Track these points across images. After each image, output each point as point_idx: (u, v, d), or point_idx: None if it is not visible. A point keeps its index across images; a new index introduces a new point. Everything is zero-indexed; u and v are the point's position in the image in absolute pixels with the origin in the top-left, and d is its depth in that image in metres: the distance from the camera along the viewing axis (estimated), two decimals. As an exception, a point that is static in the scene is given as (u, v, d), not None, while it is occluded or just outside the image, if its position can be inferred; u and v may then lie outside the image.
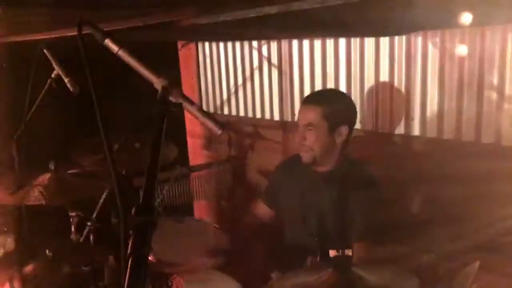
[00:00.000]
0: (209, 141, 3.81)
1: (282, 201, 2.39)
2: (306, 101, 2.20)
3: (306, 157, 2.18)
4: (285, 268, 2.15)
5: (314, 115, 2.11)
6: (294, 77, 3.13)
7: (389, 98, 2.64)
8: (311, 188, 2.22)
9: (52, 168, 2.25)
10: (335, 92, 2.54)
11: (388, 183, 2.43)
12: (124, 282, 0.79)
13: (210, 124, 1.03)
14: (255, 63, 3.39)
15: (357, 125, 2.81)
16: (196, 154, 3.95)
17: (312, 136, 2.13)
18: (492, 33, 2.19)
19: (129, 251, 0.82)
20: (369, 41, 2.66)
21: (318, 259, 1.97)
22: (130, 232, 0.84)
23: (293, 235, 2.33)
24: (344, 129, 2.15)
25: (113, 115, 1.29)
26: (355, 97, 2.79)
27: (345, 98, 2.30)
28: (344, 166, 2.19)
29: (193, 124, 3.90)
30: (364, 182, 2.15)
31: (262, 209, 2.49)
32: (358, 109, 2.78)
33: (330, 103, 2.14)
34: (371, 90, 2.71)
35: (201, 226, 2.59)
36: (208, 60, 3.79)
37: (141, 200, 0.87)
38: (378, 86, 2.67)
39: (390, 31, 2.41)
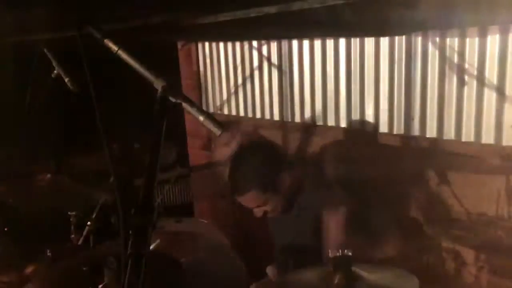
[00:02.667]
0: (209, 141, 3.81)
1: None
2: (239, 193, 2.14)
3: (278, 215, 2.20)
4: (281, 265, 2.17)
5: (255, 199, 2.11)
6: (294, 77, 3.13)
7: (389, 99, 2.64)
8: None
9: (53, 168, 2.25)
10: (249, 165, 2.27)
11: (387, 183, 2.44)
12: (124, 282, 0.79)
13: (210, 124, 1.03)
14: (255, 63, 3.39)
15: (357, 125, 2.82)
16: (196, 154, 3.95)
17: (270, 207, 2.15)
18: (492, 33, 2.19)
19: (129, 251, 0.82)
20: (369, 41, 2.66)
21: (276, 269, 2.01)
22: (130, 232, 0.84)
23: (280, 235, 2.35)
24: (282, 179, 2.15)
25: (113, 115, 1.29)
26: (355, 97, 2.79)
27: (259, 162, 2.20)
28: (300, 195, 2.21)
29: (193, 124, 3.90)
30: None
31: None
32: (357, 109, 2.80)
33: (256, 180, 2.10)
34: (370, 90, 2.71)
35: (200, 226, 2.60)
36: (208, 60, 3.79)
37: (141, 200, 0.87)
38: (378, 86, 2.67)
39: (390, 31, 2.41)
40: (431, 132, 2.48)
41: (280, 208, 2.18)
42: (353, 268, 1.52)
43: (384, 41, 2.59)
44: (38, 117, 2.51)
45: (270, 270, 2.18)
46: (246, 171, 2.18)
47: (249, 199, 2.13)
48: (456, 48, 2.32)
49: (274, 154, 2.22)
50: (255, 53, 3.38)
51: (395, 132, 2.64)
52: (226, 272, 1.80)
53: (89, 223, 2.43)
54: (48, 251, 1.94)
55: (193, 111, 1.03)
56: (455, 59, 2.33)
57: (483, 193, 2.24)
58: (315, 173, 2.43)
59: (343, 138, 2.85)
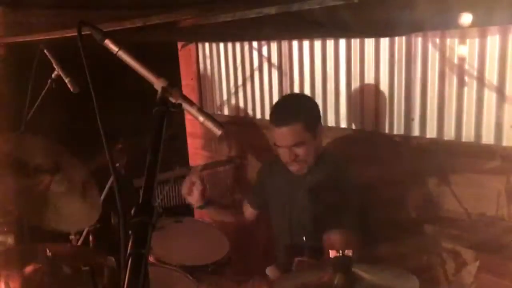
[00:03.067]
0: (209, 141, 3.81)
1: (268, 202, 2.41)
2: (283, 122, 2.11)
3: (301, 170, 2.19)
4: (281, 265, 2.17)
5: (298, 132, 2.09)
6: (294, 77, 3.13)
7: (389, 99, 2.64)
8: (293, 188, 2.23)
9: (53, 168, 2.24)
10: (298, 98, 2.52)
11: (388, 184, 2.43)
12: (124, 282, 0.79)
13: (210, 124, 1.03)
14: (255, 63, 3.39)
15: (357, 125, 2.83)
16: (196, 154, 3.95)
17: (304, 152, 2.12)
18: (492, 33, 2.19)
19: (128, 251, 0.82)
20: (369, 41, 2.66)
21: (306, 259, 1.98)
22: (130, 232, 0.84)
23: (282, 235, 2.34)
24: (320, 128, 2.20)
25: (113, 115, 1.29)
26: (355, 97, 2.79)
27: (308, 100, 2.35)
28: (321, 161, 2.20)
29: (193, 125, 3.90)
30: (340, 174, 2.17)
31: (248, 211, 2.53)
32: (357, 109, 2.80)
33: (304, 113, 2.13)
34: (370, 90, 2.71)
35: (200, 226, 2.60)
36: (208, 60, 3.79)
37: (140, 200, 0.87)
38: (378, 86, 2.67)
39: (390, 31, 2.41)
40: (431, 132, 2.49)
41: (312, 158, 2.15)
42: (353, 268, 1.52)
43: (384, 41, 2.59)
44: (38, 118, 2.52)
45: (270, 271, 2.18)
46: (295, 103, 2.24)
47: (292, 131, 2.07)
48: (456, 49, 2.32)
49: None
50: (255, 53, 3.38)
51: (395, 132, 2.64)
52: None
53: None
54: (48, 251, 1.93)
55: (193, 111, 1.03)
56: (455, 59, 2.34)
57: (483, 193, 2.24)
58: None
59: (343, 139, 2.85)
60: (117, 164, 2.52)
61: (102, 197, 2.55)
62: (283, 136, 2.11)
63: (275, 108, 2.26)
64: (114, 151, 2.58)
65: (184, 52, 3.89)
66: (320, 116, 2.26)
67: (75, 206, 2.07)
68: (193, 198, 2.41)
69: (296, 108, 2.17)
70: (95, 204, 2.06)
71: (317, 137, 2.17)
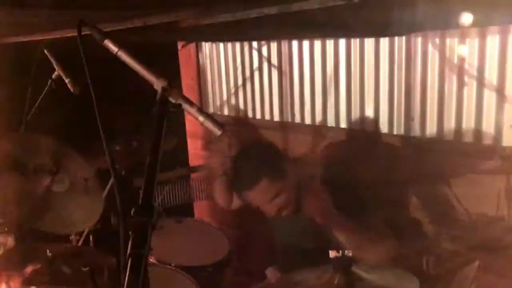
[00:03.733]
0: (209, 141, 3.81)
1: None
2: (249, 187, 2.00)
3: (288, 212, 2.07)
4: (281, 266, 2.16)
5: (268, 191, 1.98)
6: (294, 77, 3.13)
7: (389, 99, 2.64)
8: None
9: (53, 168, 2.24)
10: (252, 157, 2.19)
11: (387, 183, 2.43)
12: (124, 282, 0.79)
13: (210, 124, 1.03)
14: (255, 63, 3.39)
15: (357, 125, 2.82)
16: (196, 154, 3.95)
17: (282, 201, 2.01)
18: (492, 33, 2.19)
19: (128, 251, 0.81)
20: (369, 41, 2.66)
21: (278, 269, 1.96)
22: (130, 232, 0.84)
23: (282, 235, 2.34)
24: (292, 170, 2.06)
25: (113, 116, 1.29)
26: (355, 97, 2.79)
27: (262, 152, 2.15)
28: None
29: (193, 125, 3.90)
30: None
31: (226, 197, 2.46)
32: (357, 109, 2.80)
33: (267, 167, 2.00)
34: (370, 90, 2.71)
35: (200, 227, 2.60)
36: (208, 60, 3.79)
37: (140, 201, 0.87)
38: (378, 86, 2.67)
39: (390, 31, 2.41)
40: (431, 132, 2.49)
41: (294, 201, 2.04)
42: (353, 268, 1.52)
43: (384, 41, 2.59)
44: (38, 118, 2.52)
45: (270, 272, 2.18)
46: (254, 162, 2.08)
47: (261, 191, 1.98)
48: (456, 49, 2.32)
49: (278, 149, 2.17)
50: (255, 54, 3.38)
51: (395, 132, 2.64)
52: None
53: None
54: (48, 251, 1.93)
55: (193, 111, 1.03)
56: (455, 59, 2.34)
57: (483, 193, 2.24)
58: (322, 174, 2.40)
59: (343, 139, 2.85)
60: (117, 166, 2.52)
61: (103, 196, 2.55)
62: (257, 196, 2.01)
63: (237, 174, 2.11)
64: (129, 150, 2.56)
65: (184, 52, 3.89)
66: (284, 162, 2.07)
67: (76, 206, 2.06)
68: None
69: (258, 168, 2.02)
70: (98, 202, 2.05)
71: (292, 181, 2.03)
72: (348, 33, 2.66)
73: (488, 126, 2.28)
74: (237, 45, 3.48)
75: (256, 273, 2.22)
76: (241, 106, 3.56)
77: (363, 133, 2.78)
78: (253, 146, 2.18)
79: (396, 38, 2.53)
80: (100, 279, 1.81)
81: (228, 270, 2.23)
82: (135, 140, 2.60)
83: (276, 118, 3.30)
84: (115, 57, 1.09)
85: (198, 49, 3.84)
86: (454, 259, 2.26)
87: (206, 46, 3.77)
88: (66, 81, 2.46)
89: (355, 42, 2.74)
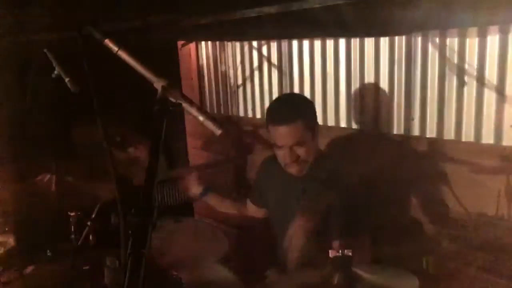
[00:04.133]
0: (209, 141, 3.81)
1: (267, 201, 2.40)
2: (283, 121, 2.05)
3: (301, 171, 2.13)
4: (281, 266, 2.16)
5: (299, 131, 2.04)
6: (294, 77, 3.13)
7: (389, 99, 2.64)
8: (291, 189, 2.21)
9: (53, 169, 2.24)
10: (296, 97, 2.49)
11: (387, 183, 2.43)
12: (124, 282, 0.79)
13: (209, 124, 1.03)
14: (255, 63, 3.39)
15: (357, 125, 2.83)
16: (196, 154, 3.95)
17: (304, 151, 2.08)
18: (492, 33, 2.19)
19: (128, 251, 0.82)
20: (369, 41, 2.66)
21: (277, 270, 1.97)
22: (130, 232, 0.84)
23: (282, 235, 2.33)
24: (317, 128, 2.15)
25: (113, 115, 1.29)
26: (355, 96, 2.79)
27: (305, 99, 2.29)
28: (317, 162, 2.16)
29: (193, 124, 3.90)
30: (337, 175, 2.11)
31: (251, 208, 2.51)
32: (357, 109, 2.80)
33: (303, 112, 2.09)
34: (370, 89, 2.71)
35: (200, 226, 2.60)
36: (208, 61, 3.79)
37: (141, 200, 0.87)
38: (378, 86, 2.67)
39: (390, 31, 2.41)
40: (431, 132, 2.49)
41: (312, 158, 2.11)
42: (353, 268, 1.52)
43: (384, 41, 2.59)
44: (38, 117, 2.52)
45: (270, 272, 2.17)
46: (294, 102, 2.19)
47: (293, 130, 2.02)
48: (456, 48, 2.32)
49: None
50: (255, 53, 3.38)
51: (395, 131, 2.64)
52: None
53: (89, 223, 2.43)
54: (48, 251, 1.94)
55: (193, 111, 1.03)
56: (455, 59, 2.34)
57: (483, 193, 2.24)
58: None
59: (342, 138, 2.85)
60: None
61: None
62: (284, 135, 2.06)
63: (273, 107, 2.18)
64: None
65: (184, 51, 3.89)
66: (317, 116, 2.21)
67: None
68: (192, 188, 2.42)
69: (296, 107, 2.12)
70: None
71: (316, 137, 2.16)
72: (348, 33, 2.66)
73: (488, 126, 2.28)
74: (237, 45, 3.48)
75: (256, 273, 2.22)
76: (241, 105, 3.56)
77: (363, 132, 2.78)
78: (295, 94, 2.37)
79: (396, 37, 2.53)
80: (100, 279, 1.81)
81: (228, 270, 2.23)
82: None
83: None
84: (115, 57, 1.09)
85: (198, 49, 3.84)
86: (454, 259, 2.26)
87: (206, 46, 3.77)
88: (66, 80, 2.45)
89: (355, 42, 2.74)
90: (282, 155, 2.12)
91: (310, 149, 2.10)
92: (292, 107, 2.12)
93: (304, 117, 2.05)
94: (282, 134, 2.06)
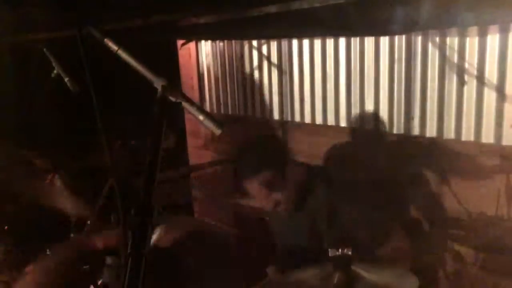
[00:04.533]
0: (209, 141, 3.81)
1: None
2: (251, 178, 1.99)
3: (285, 208, 2.07)
4: (282, 264, 2.16)
5: (270, 184, 1.97)
6: (294, 77, 3.13)
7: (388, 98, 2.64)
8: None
9: (52, 168, 2.24)
10: (256, 149, 2.20)
11: (387, 183, 2.43)
12: (124, 282, 0.79)
13: (209, 124, 1.02)
14: (255, 62, 3.39)
15: (357, 124, 2.82)
16: (196, 154, 3.95)
17: (282, 198, 2.01)
18: (492, 32, 2.19)
19: (128, 250, 0.82)
20: (369, 40, 2.66)
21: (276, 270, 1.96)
22: (130, 231, 0.84)
23: (282, 235, 2.34)
24: (295, 166, 2.08)
25: (113, 115, 1.29)
26: (355, 97, 2.79)
27: (267, 145, 2.16)
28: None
29: (193, 124, 3.90)
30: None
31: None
32: (357, 108, 2.80)
33: (270, 161, 2.00)
34: (370, 89, 2.71)
35: (200, 227, 2.59)
36: (208, 60, 3.79)
37: (141, 200, 0.87)
38: (378, 85, 2.67)
39: (390, 31, 2.41)
40: (431, 132, 2.48)
41: (294, 199, 2.06)
42: (353, 268, 1.52)
43: (384, 40, 2.59)
44: (37, 117, 2.52)
45: (270, 271, 2.17)
46: (259, 154, 2.09)
47: (263, 183, 1.98)
48: (456, 48, 2.32)
49: (283, 143, 2.19)
50: (255, 53, 3.38)
51: (395, 131, 2.64)
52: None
53: (89, 223, 2.43)
54: (48, 251, 1.93)
55: (193, 110, 1.02)
56: (455, 58, 2.33)
57: (483, 193, 2.24)
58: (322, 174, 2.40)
59: (343, 138, 2.85)
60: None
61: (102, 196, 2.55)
62: (257, 188, 1.99)
63: (240, 165, 2.10)
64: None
65: (184, 51, 3.89)
66: (287, 157, 2.08)
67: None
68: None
69: (262, 160, 2.02)
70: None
71: (294, 177, 2.03)
72: (348, 33, 2.66)
73: (488, 126, 2.28)
74: (237, 44, 3.48)
75: (256, 273, 2.22)
76: (241, 105, 3.56)
77: (363, 132, 2.78)
78: (259, 140, 2.19)
79: (396, 37, 2.53)
80: (100, 278, 1.81)
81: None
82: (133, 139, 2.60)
83: (276, 117, 3.30)
84: (115, 56, 1.09)
85: (198, 48, 3.84)
86: (454, 259, 2.26)
87: (206, 46, 3.77)
88: (66, 80, 2.45)
89: (355, 41, 2.73)
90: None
91: (290, 192, 2.02)
92: (257, 161, 2.02)
93: (271, 168, 1.97)
94: (254, 188, 2.01)
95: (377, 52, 2.64)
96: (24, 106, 2.50)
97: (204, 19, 2.08)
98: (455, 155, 2.36)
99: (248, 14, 1.75)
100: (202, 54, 3.83)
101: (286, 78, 3.18)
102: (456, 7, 1.74)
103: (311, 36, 2.94)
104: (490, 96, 2.25)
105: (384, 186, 2.35)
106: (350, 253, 1.51)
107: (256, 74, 3.39)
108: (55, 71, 2.50)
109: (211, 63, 3.76)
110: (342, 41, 2.81)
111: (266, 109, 3.37)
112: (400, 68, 2.55)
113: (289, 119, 3.21)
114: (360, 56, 2.72)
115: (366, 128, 2.76)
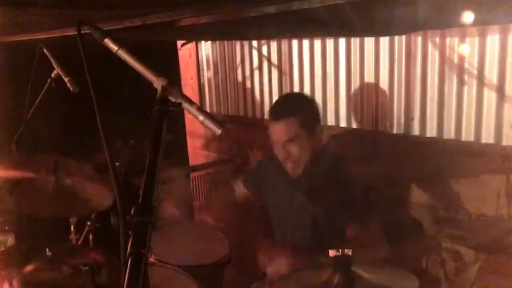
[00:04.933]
0: (209, 141, 3.81)
1: (264, 196, 2.40)
2: (278, 116, 2.10)
3: (295, 170, 2.15)
4: (281, 264, 2.15)
5: (292, 128, 2.06)
6: (294, 76, 3.13)
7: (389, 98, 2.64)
8: (289, 189, 2.22)
9: (52, 168, 2.24)
10: (296, 96, 2.57)
11: (387, 183, 2.43)
12: (124, 282, 0.78)
13: (209, 124, 1.02)
14: (255, 63, 3.39)
15: (357, 125, 2.82)
16: (196, 154, 3.95)
17: (297, 149, 2.09)
18: (492, 32, 2.19)
19: (128, 251, 0.81)
20: (369, 41, 2.66)
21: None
22: (130, 232, 0.84)
23: (281, 235, 2.34)
24: (318, 128, 2.17)
25: (113, 115, 1.29)
26: (355, 96, 2.79)
27: (306, 98, 2.33)
28: (317, 161, 2.16)
29: (193, 124, 3.90)
30: (338, 174, 2.13)
31: (239, 188, 2.49)
32: (357, 108, 2.80)
33: (300, 110, 2.10)
34: (371, 89, 2.71)
35: (200, 227, 2.59)
36: (208, 60, 3.79)
37: (140, 200, 0.87)
38: (378, 86, 2.67)
39: (390, 31, 2.41)
40: (431, 132, 2.48)
41: (306, 158, 2.11)
42: (353, 268, 1.52)
43: (384, 40, 2.59)
44: (37, 117, 2.51)
45: (271, 270, 2.17)
46: (292, 100, 2.27)
47: (286, 126, 2.05)
48: (456, 48, 2.32)
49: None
50: (255, 53, 3.38)
51: (395, 131, 2.64)
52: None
53: (89, 223, 2.43)
54: (48, 251, 1.93)
55: (193, 111, 1.02)
56: (455, 58, 2.33)
57: (483, 193, 2.24)
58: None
59: (342, 138, 2.85)
60: (117, 164, 2.52)
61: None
62: (276, 131, 2.10)
63: (273, 105, 2.26)
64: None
65: (184, 51, 3.89)
66: (319, 116, 2.21)
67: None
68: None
69: (293, 104, 2.17)
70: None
71: (314, 137, 2.14)
72: (348, 33, 2.66)
73: (488, 126, 2.28)
74: (237, 44, 3.48)
75: (256, 273, 2.21)
76: (241, 105, 3.56)
77: (363, 132, 2.78)
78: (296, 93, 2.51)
79: (396, 37, 2.53)
80: (100, 278, 1.81)
81: (228, 270, 2.23)
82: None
83: (276, 117, 3.30)
84: (115, 56, 1.09)
85: (198, 48, 3.84)
86: (454, 259, 2.26)
87: (206, 46, 3.77)
88: (66, 80, 2.45)
89: (355, 42, 2.73)
90: (276, 151, 2.14)
91: (304, 148, 2.10)
92: (289, 105, 2.16)
93: (299, 115, 2.06)
94: (275, 129, 2.10)
95: (377, 53, 2.64)
96: (24, 106, 2.50)
97: (204, 19, 2.08)
98: (455, 155, 2.36)
99: (248, 14, 1.74)
100: (202, 54, 3.83)
101: (286, 78, 3.18)
102: (456, 7, 1.74)
103: (311, 36, 2.94)
104: (490, 96, 2.25)
105: (383, 186, 2.35)
106: (350, 253, 1.51)
107: (256, 74, 3.39)
108: (55, 71, 2.50)
109: (211, 63, 3.76)
110: (342, 41, 2.81)
111: (266, 109, 3.37)
112: (400, 69, 2.55)
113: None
114: (360, 56, 2.72)
115: (366, 128, 2.76)
